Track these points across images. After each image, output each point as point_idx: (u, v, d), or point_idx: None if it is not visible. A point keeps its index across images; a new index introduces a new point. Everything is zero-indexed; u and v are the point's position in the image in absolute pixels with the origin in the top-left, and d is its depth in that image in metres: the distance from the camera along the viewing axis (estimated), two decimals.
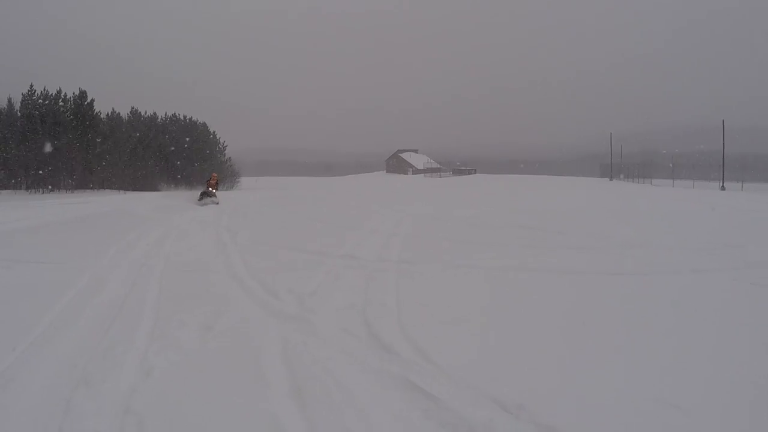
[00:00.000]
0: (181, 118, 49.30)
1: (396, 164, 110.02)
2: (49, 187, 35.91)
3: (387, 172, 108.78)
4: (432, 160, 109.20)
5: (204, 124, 50.53)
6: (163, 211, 21.66)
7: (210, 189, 26.13)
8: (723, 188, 49.84)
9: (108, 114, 43.78)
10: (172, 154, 45.82)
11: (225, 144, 51.91)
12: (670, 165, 64.21)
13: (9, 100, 37.57)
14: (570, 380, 4.92)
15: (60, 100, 38.75)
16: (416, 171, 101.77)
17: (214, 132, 50.86)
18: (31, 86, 37.97)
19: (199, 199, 25.20)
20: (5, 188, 35.14)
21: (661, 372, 5.08)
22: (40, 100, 38.00)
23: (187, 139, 47.51)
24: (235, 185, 48.71)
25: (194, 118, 50.08)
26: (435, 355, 5.54)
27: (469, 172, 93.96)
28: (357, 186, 51.67)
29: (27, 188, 35.73)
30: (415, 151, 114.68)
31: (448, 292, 8.41)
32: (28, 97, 37.86)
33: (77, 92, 38.91)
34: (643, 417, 4.27)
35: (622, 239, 13.20)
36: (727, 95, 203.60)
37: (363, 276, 9.41)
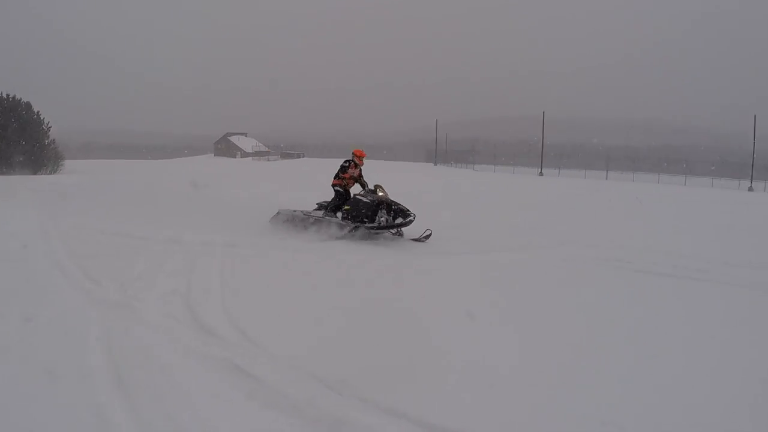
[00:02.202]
0: (4, 97, 46.66)
1: (225, 148, 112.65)
2: None
3: (215, 155, 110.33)
4: (261, 144, 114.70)
5: (28, 104, 48.24)
6: None
7: None
8: (541, 174, 57.26)
9: None
10: None
11: (49, 125, 49.65)
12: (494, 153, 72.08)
13: None
14: (391, 355, 5.64)
15: None
16: (245, 154, 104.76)
17: (38, 112, 48.71)
18: None
19: None
20: None
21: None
22: None
23: (13, 120, 45.40)
24: (59, 169, 47.35)
25: (18, 97, 47.68)
26: (258, 337, 5.98)
27: (297, 156, 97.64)
28: (183, 169, 51.01)
29: None
30: (245, 134, 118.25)
31: (272, 274, 9.09)
32: None
33: None
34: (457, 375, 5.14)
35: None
36: (547, 88, 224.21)
37: (188, 260, 9.78)
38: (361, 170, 13.70)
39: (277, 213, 14.18)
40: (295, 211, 14.07)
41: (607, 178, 56.07)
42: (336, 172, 13.85)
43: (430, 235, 12.81)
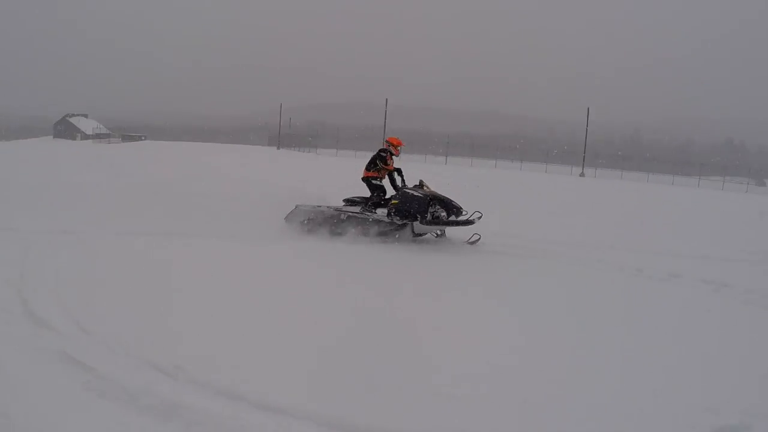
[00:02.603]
0: None
1: (64, 129, 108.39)
2: None
3: (55, 137, 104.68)
4: (102, 126, 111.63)
5: None
6: None
7: None
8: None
9: None
10: None
11: None
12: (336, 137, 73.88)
13: None
14: (229, 342, 5.86)
15: None
16: (85, 136, 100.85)
17: None
18: None
19: None
20: None
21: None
22: None
23: None
24: None
25: None
26: (93, 327, 6.00)
27: (139, 138, 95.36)
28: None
29: None
30: (85, 115, 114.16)
31: (111, 261, 9.03)
32: None
33: None
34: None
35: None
36: (393, 77, 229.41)
37: (21, 248, 9.44)
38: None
39: (295, 208, 12.65)
40: (318, 206, 12.56)
41: (446, 163, 59.05)
42: (370, 162, 12.73)
43: (479, 239, 12.07)
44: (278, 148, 75.70)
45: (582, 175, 57.51)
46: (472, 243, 11.95)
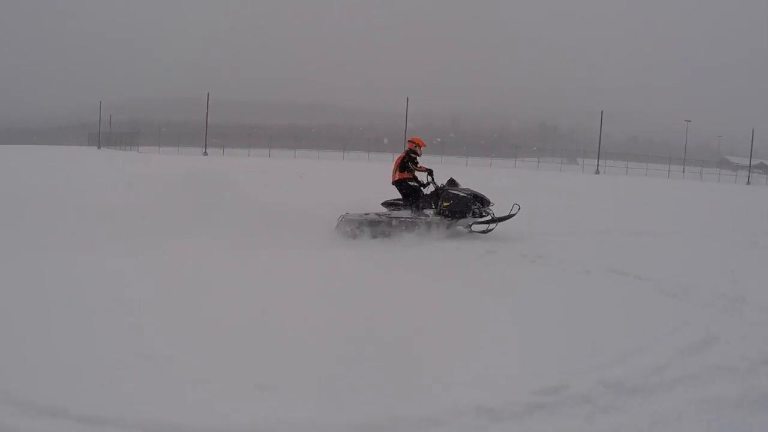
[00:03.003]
0: None
1: None
2: None
3: None
4: None
5: None
6: None
7: None
8: (206, 154, 59.27)
9: None
10: None
11: None
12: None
13: None
14: None
15: None
16: None
17: None
18: None
19: None
20: None
21: None
22: None
23: None
24: None
25: None
26: None
27: None
28: None
29: None
30: None
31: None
32: None
33: None
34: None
35: None
36: (214, 69, 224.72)
37: None
38: None
39: (342, 217, 12.55)
40: (367, 214, 12.67)
41: (269, 156, 59.53)
42: (401, 165, 13.13)
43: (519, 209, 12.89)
44: (99, 148, 71.89)
45: None
46: (513, 215, 12.84)
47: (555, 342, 6.19)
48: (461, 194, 12.70)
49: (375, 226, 12.41)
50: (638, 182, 45.23)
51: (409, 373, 5.27)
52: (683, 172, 77.10)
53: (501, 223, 12.85)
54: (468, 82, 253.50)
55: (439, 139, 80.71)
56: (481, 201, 12.79)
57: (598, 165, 66.99)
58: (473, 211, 12.65)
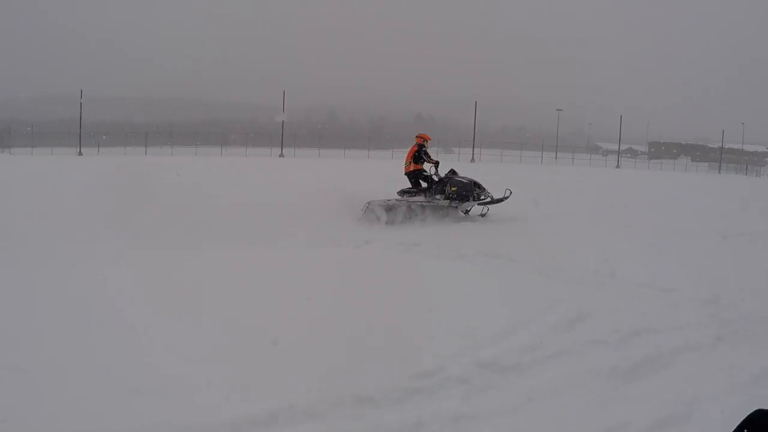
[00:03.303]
0: None
1: None
2: None
3: None
4: None
5: None
6: None
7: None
8: (81, 153, 56.50)
9: None
10: None
11: None
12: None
13: None
14: None
15: None
16: None
17: None
18: None
19: None
20: None
21: None
22: None
23: None
24: None
25: None
26: None
27: None
28: None
29: None
30: None
31: None
32: None
33: None
34: None
35: None
36: (85, 66, 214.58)
37: None
38: None
39: (368, 205, 13.96)
40: (389, 200, 14.34)
41: (146, 154, 57.73)
42: (416, 157, 15.10)
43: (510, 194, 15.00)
44: None
45: (281, 155, 59.95)
46: (507, 198, 14.92)
47: (430, 326, 6.22)
48: (465, 181, 14.72)
49: (397, 210, 14.01)
50: (512, 169, 46.61)
51: (284, 361, 5.12)
52: (555, 158, 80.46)
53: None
54: (345, 75, 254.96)
55: (319, 126, 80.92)
56: (479, 187, 14.66)
57: (473, 153, 68.62)
58: (474, 195, 14.61)
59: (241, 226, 11.80)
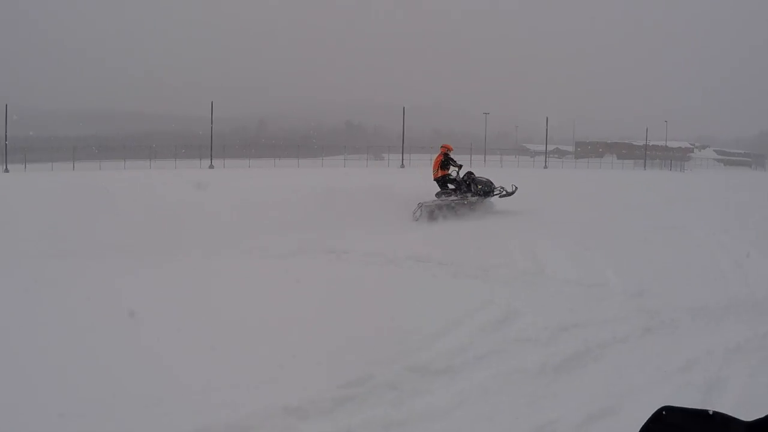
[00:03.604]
0: None
1: None
2: None
3: None
4: None
5: None
6: None
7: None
8: (7, 170, 54.80)
9: None
10: None
11: None
12: None
13: None
14: None
15: None
16: None
17: None
18: None
19: None
20: None
21: None
22: None
23: None
24: None
25: None
26: None
27: None
28: None
29: None
30: None
31: None
32: None
33: None
34: None
35: None
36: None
37: None
38: None
39: (420, 205, 16.86)
40: (434, 201, 17.44)
41: (74, 169, 56.23)
42: (444, 164, 18.05)
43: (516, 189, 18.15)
44: None
45: (211, 167, 59.20)
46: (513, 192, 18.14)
47: (359, 333, 6.12)
48: (485, 179, 17.98)
49: (441, 208, 17.02)
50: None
51: (212, 374, 4.97)
52: (485, 160, 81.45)
53: None
54: (274, 84, 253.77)
55: (255, 133, 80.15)
56: (492, 184, 17.98)
57: (402, 159, 68.99)
58: (493, 190, 17.87)
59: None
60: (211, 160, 63.08)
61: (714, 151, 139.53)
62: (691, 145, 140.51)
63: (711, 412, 0.89)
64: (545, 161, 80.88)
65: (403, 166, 65.68)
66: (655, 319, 6.78)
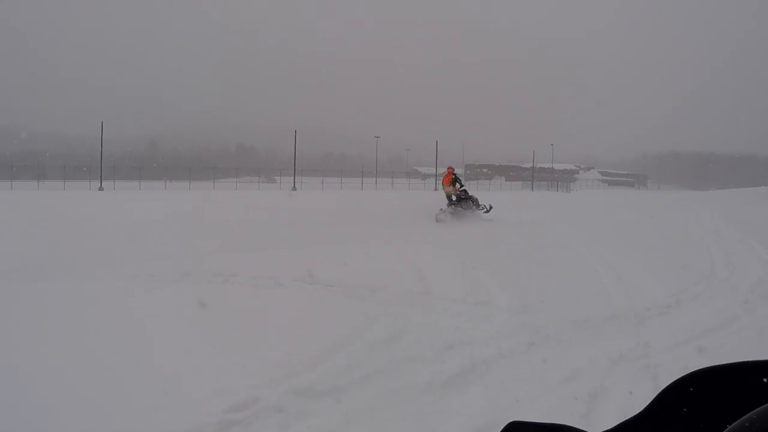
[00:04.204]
0: None
1: None
2: None
3: None
4: None
5: None
6: None
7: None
8: None
9: None
10: None
11: None
12: None
13: None
14: None
15: None
16: None
17: None
18: None
19: None
20: None
21: None
22: None
23: None
24: None
25: None
26: None
27: None
28: None
29: None
30: None
31: None
32: None
33: None
34: None
35: None
36: None
37: None
38: None
39: (440, 211, 23.63)
40: (447, 208, 23.92)
41: None
42: (453, 182, 24.39)
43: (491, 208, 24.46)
44: None
45: (101, 188, 57.49)
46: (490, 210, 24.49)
47: (244, 357, 5.99)
48: (474, 196, 24.59)
49: (450, 213, 23.49)
50: (333, 195, 47.18)
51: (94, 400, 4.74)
52: (376, 183, 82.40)
53: None
54: (166, 105, 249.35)
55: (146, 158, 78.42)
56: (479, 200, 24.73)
57: (294, 181, 68.90)
58: (477, 205, 24.30)
59: None
60: (101, 181, 61.21)
61: (598, 172, 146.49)
62: (577, 166, 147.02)
63: (560, 426, 0.90)
64: (435, 184, 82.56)
65: (294, 188, 65.51)
66: (539, 333, 6.98)
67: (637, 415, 0.88)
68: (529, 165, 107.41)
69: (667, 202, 43.49)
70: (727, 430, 0.63)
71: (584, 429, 0.90)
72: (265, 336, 6.91)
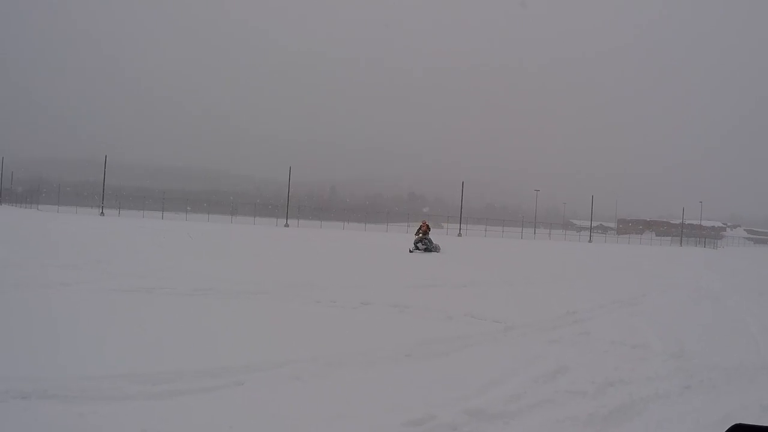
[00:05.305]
0: None
1: None
2: None
3: None
4: None
5: None
6: None
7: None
8: (103, 214, 57.43)
9: None
10: None
11: None
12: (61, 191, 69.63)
13: None
14: None
15: None
16: None
17: None
18: None
19: None
20: None
21: None
22: None
23: None
24: None
25: None
26: None
27: None
28: None
29: None
30: None
31: None
32: None
33: None
34: None
35: None
36: (109, 135, 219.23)
37: None
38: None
39: (415, 246, 27.82)
40: (416, 246, 27.82)
41: (163, 218, 58.67)
42: (425, 233, 28.32)
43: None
44: None
45: (287, 225, 60.96)
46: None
47: (421, 380, 6.01)
48: (426, 239, 27.96)
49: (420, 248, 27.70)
50: (496, 242, 47.03)
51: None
52: (534, 233, 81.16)
53: None
54: (344, 153, 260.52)
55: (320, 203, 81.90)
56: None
57: (460, 228, 69.23)
58: (435, 248, 28.08)
59: None
60: (287, 219, 64.70)
61: (744, 230, 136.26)
62: (724, 224, 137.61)
63: None
64: (590, 235, 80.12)
65: (460, 234, 65.77)
66: (694, 377, 6.60)
67: None
68: (677, 221, 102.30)
69: None
70: None
71: None
72: (429, 364, 6.85)
